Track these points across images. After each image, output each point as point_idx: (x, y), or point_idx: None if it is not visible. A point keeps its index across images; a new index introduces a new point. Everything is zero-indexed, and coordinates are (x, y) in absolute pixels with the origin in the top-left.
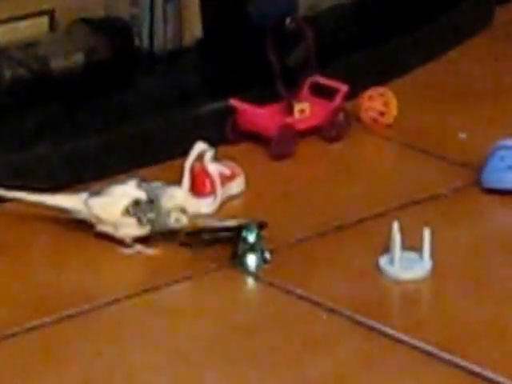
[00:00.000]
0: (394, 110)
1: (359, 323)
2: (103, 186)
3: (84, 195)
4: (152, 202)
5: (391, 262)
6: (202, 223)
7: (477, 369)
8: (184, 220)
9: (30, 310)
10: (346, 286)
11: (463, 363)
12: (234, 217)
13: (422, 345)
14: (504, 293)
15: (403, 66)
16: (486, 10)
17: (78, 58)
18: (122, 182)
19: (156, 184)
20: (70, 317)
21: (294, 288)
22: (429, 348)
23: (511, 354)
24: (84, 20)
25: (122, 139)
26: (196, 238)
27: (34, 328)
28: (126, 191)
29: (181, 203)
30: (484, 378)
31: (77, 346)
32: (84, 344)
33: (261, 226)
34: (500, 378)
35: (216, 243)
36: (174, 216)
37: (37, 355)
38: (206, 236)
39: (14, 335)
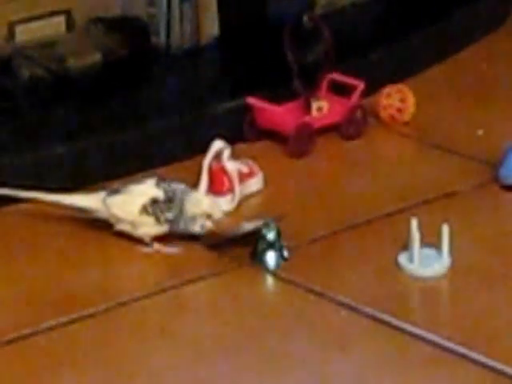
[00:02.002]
0: (411, 107)
1: (379, 320)
2: (121, 185)
3: (102, 194)
4: (170, 201)
5: (410, 259)
6: (223, 226)
7: (498, 366)
8: (209, 226)
9: (51, 309)
10: (365, 284)
11: (485, 360)
12: (252, 215)
13: (442, 342)
14: None
15: (420, 63)
16: (501, 9)
17: (95, 57)
18: (140, 180)
19: (176, 185)
20: (89, 316)
21: (313, 285)
22: (450, 345)
23: None
24: (101, 19)
25: (139, 137)
26: (219, 240)
27: (54, 327)
28: (144, 190)
29: (207, 209)
30: (506, 375)
31: (97, 345)
32: (104, 342)
33: (279, 219)
34: None
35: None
36: (199, 222)
37: (57, 354)
38: (228, 239)
39: (34, 334)
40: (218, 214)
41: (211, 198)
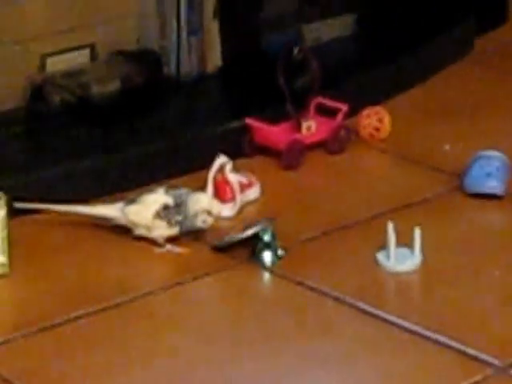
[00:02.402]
0: (388, 126)
1: (360, 309)
2: (136, 195)
3: (120, 204)
4: (179, 205)
5: (387, 257)
6: (227, 230)
7: (462, 348)
8: (210, 221)
9: (78, 301)
10: (348, 278)
11: (450, 342)
12: (251, 219)
13: (413, 327)
14: (485, 283)
15: (395, 88)
16: (466, 40)
17: (115, 84)
18: (152, 190)
19: (182, 190)
20: (111, 307)
21: (304, 280)
22: (419, 330)
23: (493, 335)
24: (120, 52)
25: (153, 154)
26: (223, 244)
27: (81, 316)
28: (156, 198)
29: (206, 206)
30: (469, 357)
31: (118, 330)
32: (124, 328)
33: (273, 220)
34: (483, 356)
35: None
36: (201, 218)
37: (85, 339)
38: (231, 242)
39: (64, 323)
40: (216, 210)
41: (209, 196)
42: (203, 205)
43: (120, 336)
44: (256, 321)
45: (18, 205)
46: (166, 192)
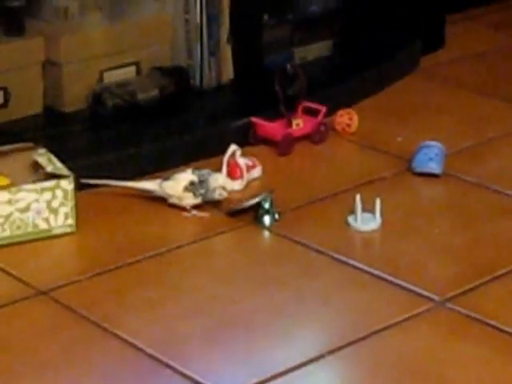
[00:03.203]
0: (356, 123)
1: (334, 258)
2: (170, 175)
3: (159, 180)
4: (202, 182)
5: (355, 220)
6: (236, 200)
7: (411, 287)
8: (225, 194)
9: (128, 251)
10: (327, 236)
11: (401, 283)
12: (255, 192)
13: (374, 272)
14: (427, 238)
15: (362, 95)
16: (414, 59)
17: (155, 92)
18: (182, 170)
19: (205, 171)
20: (153, 256)
21: (294, 237)
22: (379, 273)
23: (433, 277)
24: (158, 68)
25: (183, 143)
26: (233, 210)
27: (131, 263)
28: (185, 176)
29: (222, 183)
30: (416, 293)
31: (158, 274)
32: (162, 272)
33: (272, 192)
34: (426, 293)
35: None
36: (218, 192)
37: (134, 280)
38: (240, 208)
39: (117, 268)
40: (229, 186)
41: (224, 176)
42: (220, 182)
43: (159, 277)
44: (258, 267)
45: (84, 180)
46: (193, 172)
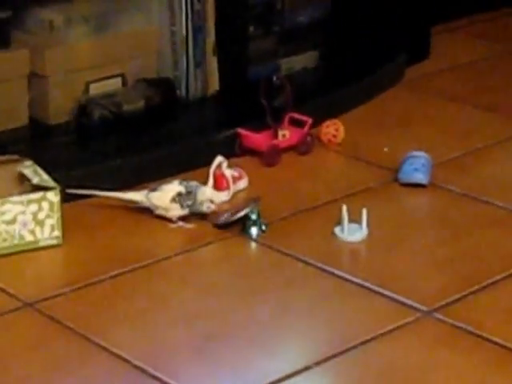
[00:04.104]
0: (342, 134)
1: (322, 269)
2: (157, 185)
3: (146, 191)
4: (189, 193)
5: (342, 230)
6: (223, 212)
7: (398, 297)
8: (213, 207)
9: (114, 263)
10: (313, 246)
11: (388, 293)
12: (241, 203)
13: (361, 282)
14: (413, 248)
15: (347, 106)
16: (399, 70)
17: (141, 104)
18: (169, 181)
19: (193, 183)
20: (139, 267)
21: (280, 247)
22: (365, 284)
23: (420, 287)
24: (144, 79)
25: (169, 154)
26: (221, 222)
27: (116, 275)
28: (172, 187)
29: (210, 196)
30: (403, 303)
31: (144, 286)
32: (149, 284)
33: (258, 199)
34: (413, 303)
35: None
36: (206, 205)
37: (119, 292)
38: (228, 221)
39: (101, 281)
40: (217, 199)
41: (212, 189)
42: (208, 195)
43: (146, 289)
44: (245, 278)
45: (70, 190)
46: (180, 183)
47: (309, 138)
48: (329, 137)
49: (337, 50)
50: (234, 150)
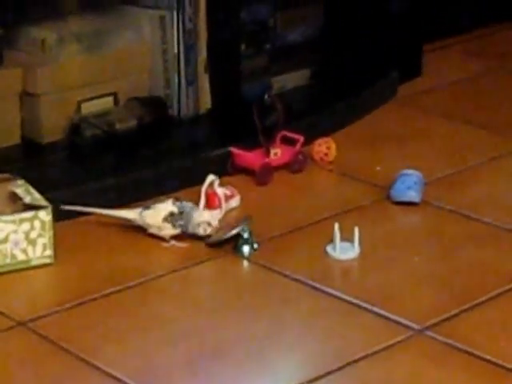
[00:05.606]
0: (334, 152)
1: (314, 288)
2: (150, 204)
3: (139, 210)
4: (181, 213)
5: (334, 249)
6: (216, 231)
7: (389, 315)
8: (209, 230)
9: (107, 282)
10: (305, 264)
11: (380, 312)
12: (233, 221)
13: (353, 300)
14: (406, 267)
15: (339, 125)
16: (392, 87)
17: (133, 122)
18: (162, 201)
19: (187, 204)
20: (132, 286)
21: (272, 266)
22: (357, 302)
23: (412, 306)
24: (136, 98)
25: (162, 173)
26: (213, 241)
27: (109, 293)
28: (165, 206)
29: (207, 219)
30: (395, 322)
31: (138, 304)
32: (142, 302)
33: (250, 218)
34: (405, 321)
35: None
36: (202, 227)
37: (113, 310)
38: (220, 240)
39: (96, 299)
40: (214, 223)
41: (210, 212)
42: (205, 218)
43: (139, 307)
44: (237, 296)
45: (64, 207)
46: (173, 203)
47: (301, 157)
48: (321, 155)
49: (329, 68)
50: (226, 169)
